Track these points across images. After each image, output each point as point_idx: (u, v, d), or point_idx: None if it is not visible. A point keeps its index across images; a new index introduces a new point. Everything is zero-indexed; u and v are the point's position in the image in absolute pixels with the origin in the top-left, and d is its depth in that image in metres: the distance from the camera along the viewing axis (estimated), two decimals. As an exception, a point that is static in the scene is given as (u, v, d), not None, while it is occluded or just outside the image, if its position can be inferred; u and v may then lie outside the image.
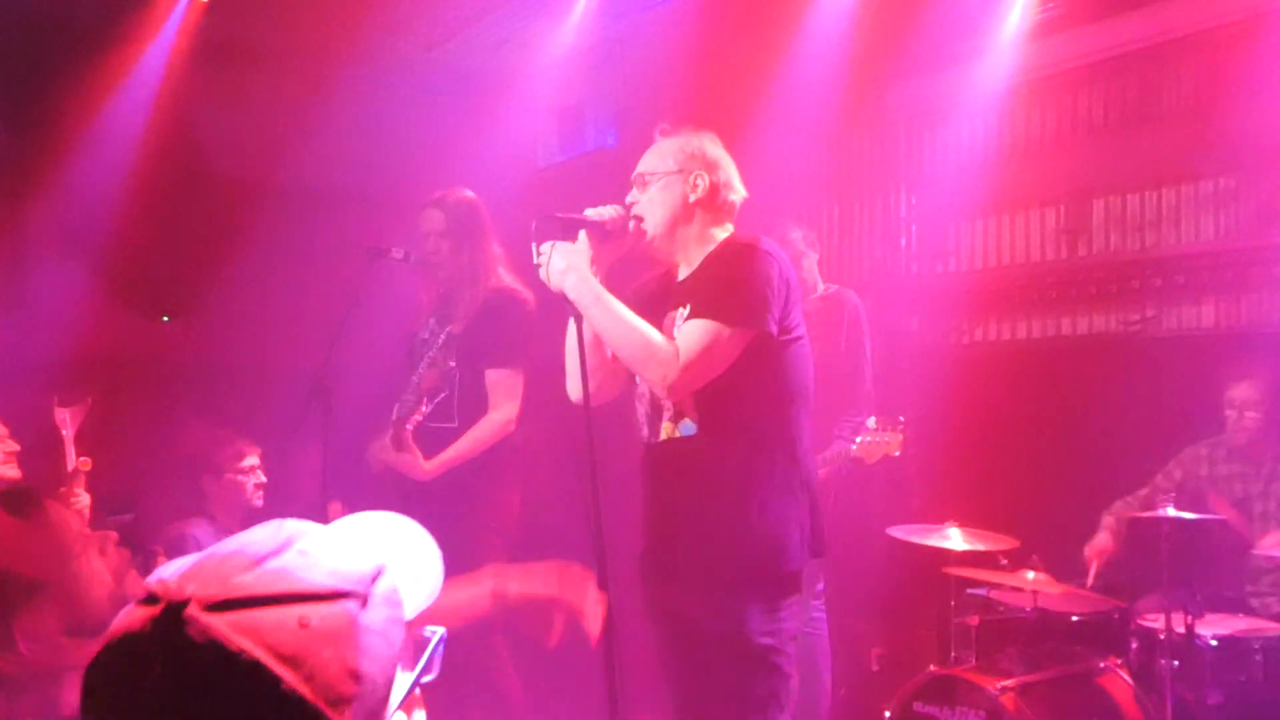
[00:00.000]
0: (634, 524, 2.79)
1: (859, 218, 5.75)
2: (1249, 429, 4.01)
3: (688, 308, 2.68)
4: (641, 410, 2.80)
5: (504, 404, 3.80)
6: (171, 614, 0.85)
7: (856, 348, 4.38)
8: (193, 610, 0.84)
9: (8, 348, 4.24)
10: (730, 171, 2.84)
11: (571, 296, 2.62)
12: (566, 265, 2.62)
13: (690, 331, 2.60)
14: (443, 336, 3.80)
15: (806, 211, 5.67)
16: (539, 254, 2.64)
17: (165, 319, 5.53)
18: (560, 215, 2.71)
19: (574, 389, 2.68)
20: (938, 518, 4.01)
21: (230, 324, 5.29)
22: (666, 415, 2.70)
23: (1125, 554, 4.01)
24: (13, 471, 3.18)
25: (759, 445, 2.64)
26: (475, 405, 3.79)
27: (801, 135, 5.30)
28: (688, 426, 2.66)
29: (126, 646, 0.85)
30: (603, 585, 2.18)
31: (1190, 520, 3.58)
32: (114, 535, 1.99)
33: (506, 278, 3.92)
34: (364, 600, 0.91)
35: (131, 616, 0.86)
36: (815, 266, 4.53)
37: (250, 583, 0.87)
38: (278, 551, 0.91)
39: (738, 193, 2.85)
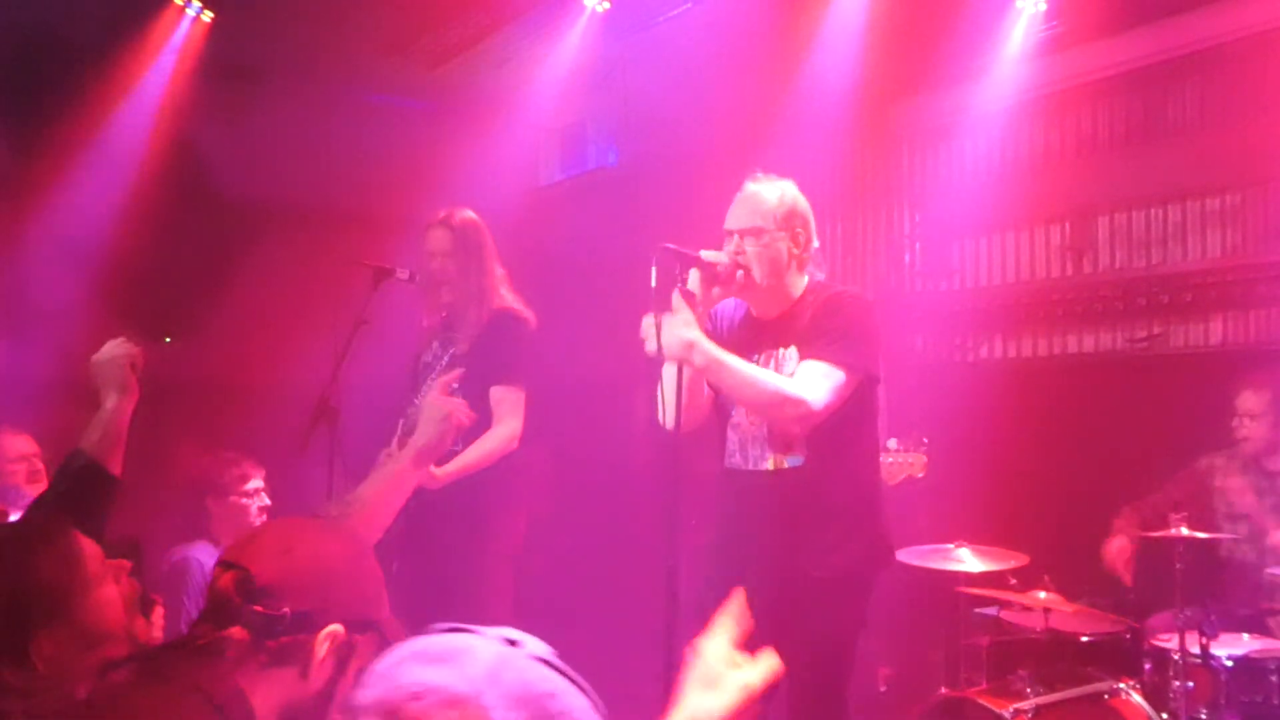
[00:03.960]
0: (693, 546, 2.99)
1: (863, 235, 5.74)
2: (1256, 437, 4.00)
3: (793, 348, 2.96)
4: (735, 439, 3.04)
5: (509, 419, 3.79)
6: None
7: None
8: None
9: (20, 366, 4.23)
10: (812, 222, 3.10)
11: (699, 366, 2.80)
12: (685, 339, 2.78)
13: (820, 375, 2.85)
14: (446, 358, 3.79)
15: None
16: (657, 279, 2.75)
17: (167, 339, 5.50)
18: (676, 248, 2.86)
19: (668, 419, 2.83)
20: (946, 536, 3.98)
21: (234, 344, 5.27)
22: (772, 447, 2.98)
23: (1142, 561, 3.98)
24: (41, 488, 3.16)
25: (857, 473, 3.01)
26: (480, 425, 3.76)
27: (805, 153, 5.28)
28: (795, 458, 2.95)
29: None
30: (672, 612, 2.43)
31: (1204, 539, 3.55)
32: (126, 565, 1.97)
33: (509, 298, 3.91)
34: None
35: None
36: None
37: None
38: None
39: (815, 241, 3.12)
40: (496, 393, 3.79)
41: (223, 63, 5.21)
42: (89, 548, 1.85)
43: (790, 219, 3.01)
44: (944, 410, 4.72)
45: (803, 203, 3.07)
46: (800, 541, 2.94)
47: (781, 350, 3.00)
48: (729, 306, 3.15)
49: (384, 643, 1.70)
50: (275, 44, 5.15)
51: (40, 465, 3.34)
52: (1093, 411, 4.72)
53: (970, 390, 5.00)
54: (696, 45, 5.32)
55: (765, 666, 1.41)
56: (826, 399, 2.83)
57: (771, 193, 3.03)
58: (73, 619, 1.73)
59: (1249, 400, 4.01)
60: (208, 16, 5.26)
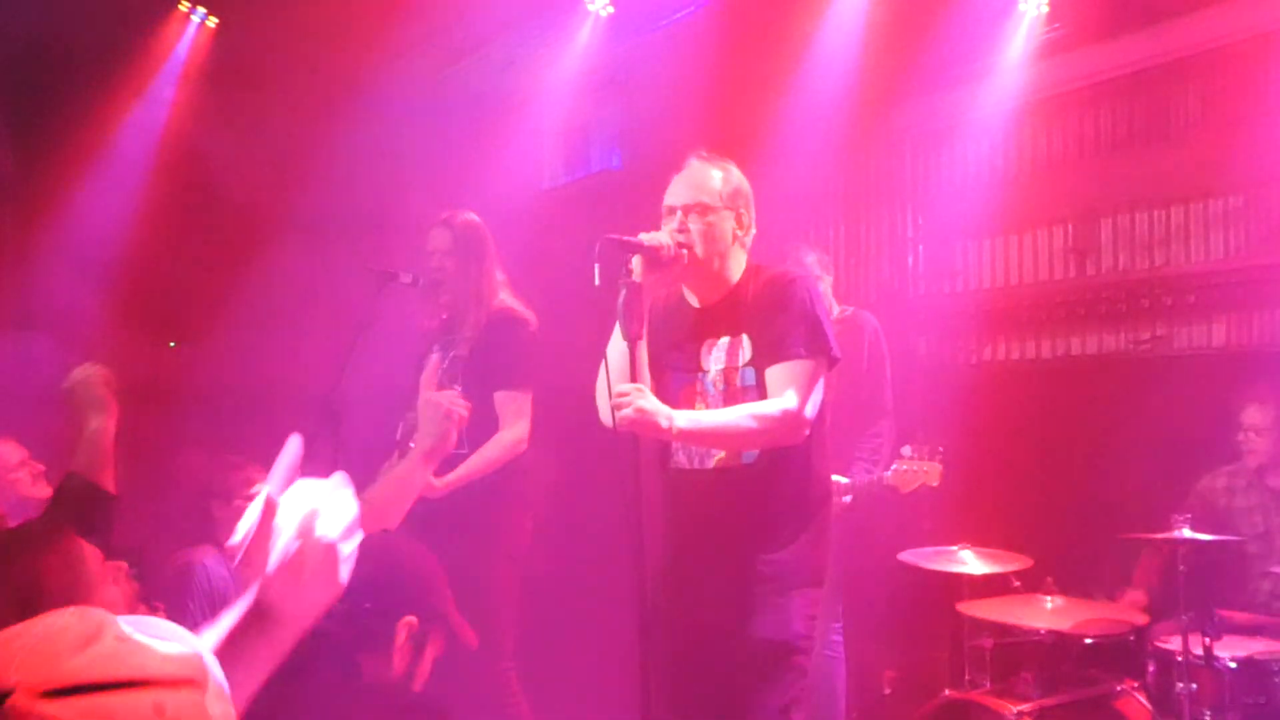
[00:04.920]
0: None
1: (866, 238, 5.74)
2: (1261, 451, 3.98)
3: (744, 337, 2.85)
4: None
5: (515, 423, 3.78)
6: None
7: (878, 370, 4.39)
8: (21, 700, 0.75)
9: (21, 370, 4.24)
10: (753, 207, 3.00)
11: (684, 430, 2.70)
12: (661, 409, 2.66)
13: (792, 376, 2.77)
14: (447, 361, 3.79)
15: (813, 232, 5.66)
16: (599, 276, 2.64)
17: (171, 344, 5.52)
18: (617, 238, 2.76)
19: (607, 416, 2.71)
20: (949, 539, 3.98)
21: (238, 348, 5.28)
22: None
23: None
24: (44, 490, 3.18)
25: (810, 466, 2.88)
26: (484, 428, 3.76)
27: (808, 156, 5.30)
28: (750, 454, 2.84)
29: None
30: (642, 606, 2.38)
31: (1207, 541, 3.54)
32: (125, 566, 2.00)
33: (509, 299, 3.92)
34: (204, 689, 0.84)
35: None
36: (830, 289, 4.53)
37: (84, 667, 0.79)
38: (93, 638, 0.82)
39: (753, 230, 3.01)
40: (500, 397, 3.79)
41: (227, 67, 5.23)
42: (89, 550, 1.87)
43: (735, 197, 2.93)
44: (947, 413, 4.73)
45: (746, 184, 2.99)
46: (749, 540, 2.84)
47: (727, 338, 2.90)
48: (659, 299, 3.01)
49: (450, 631, 1.88)
50: (278, 48, 5.16)
51: (40, 467, 3.36)
52: (1096, 414, 4.71)
53: (973, 392, 4.99)
54: (700, 49, 5.33)
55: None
56: (808, 397, 2.76)
57: (717, 170, 2.95)
58: None
59: (1254, 415, 3.98)
60: (213, 22, 5.29)
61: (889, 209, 5.67)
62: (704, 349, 2.90)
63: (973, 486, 4.64)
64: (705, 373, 2.91)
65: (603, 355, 2.82)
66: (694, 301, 2.99)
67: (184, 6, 5.22)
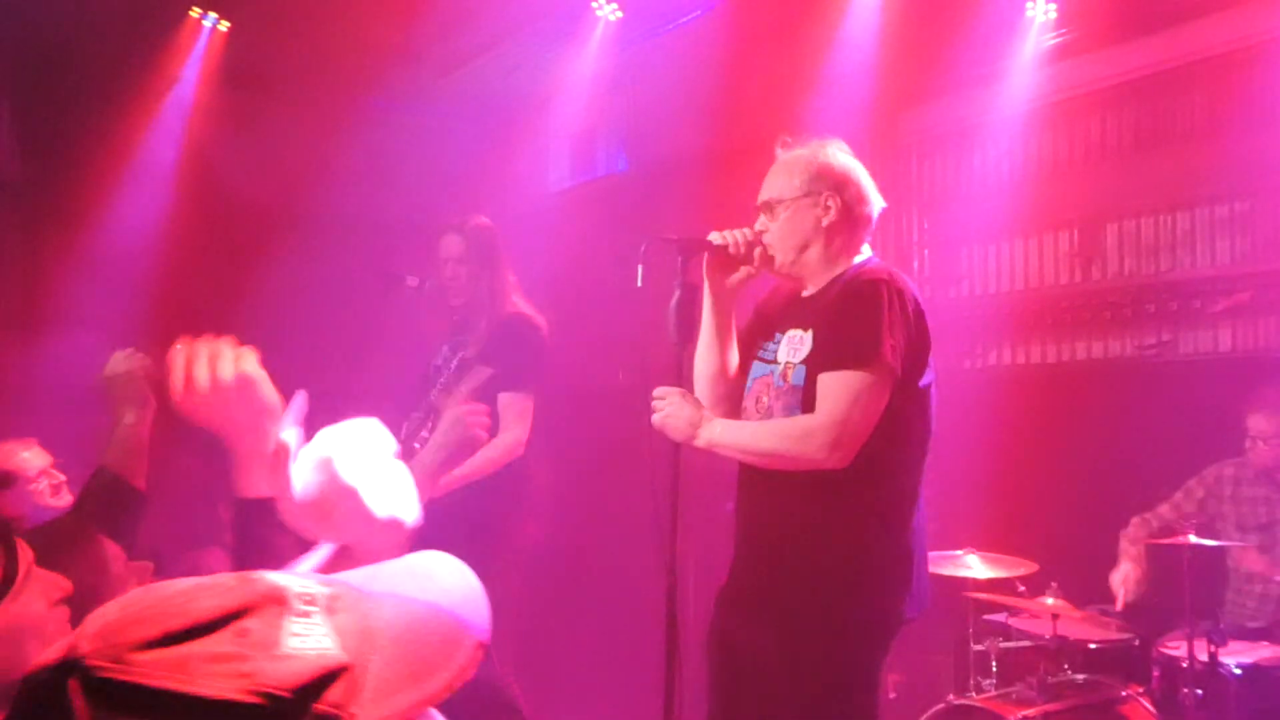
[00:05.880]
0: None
1: (872, 242, 5.72)
2: (1268, 458, 3.98)
3: (807, 331, 2.60)
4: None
5: (514, 426, 3.80)
6: (62, 673, 0.75)
7: None
8: (73, 681, 0.74)
9: (36, 372, 4.26)
10: (862, 183, 2.72)
11: (712, 441, 2.55)
12: (692, 418, 2.56)
13: (831, 389, 2.48)
14: (455, 362, 3.80)
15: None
16: (642, 277, 2.53)
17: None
18: (677, 238, 2.60)
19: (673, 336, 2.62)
20: (954, 543, 3.98)
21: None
22: None
23: (1153, 578, 3.96)
24: (64, 501, 3.18)
25: (857, 503, 2.56)
26: (490, 431, 3.77)
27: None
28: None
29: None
30: (671, 615, 2.27)
31: (1212, 547, 3.54)
32: (150, 566, 2.00)
33: (521, 304, 3.93)
34: (289, 712, 0.78)
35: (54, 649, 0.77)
36: None
37: (140, 666, 0.76)
38: (213, 626, 0.80)
39: (872, 205, 2.74)
40: (504, 399, 3.81)
41: (237, 72, 5.25)
42: (114, 551, 1.88)
43: (816, 182, 2.64)
44: (953, 417, 4.71)
45: (840, 162, 2.69)
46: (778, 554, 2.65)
47: (798, 331, 2.62)
48: (781, 290, 2.81)
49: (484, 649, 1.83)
50: (286, 51, 5.18)
51: (61, 477, 3.36)
52: (1102, 418, 4.71)
53: (978, 397, 4.98)
54: (707, 52, 5.34)
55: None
56: (849, 416, 2.43)
57: (797, 158, 2.69)
58: None
59: (1260, 423, 3.97)
60: (224, 26, 5.32)
61: (895, 213, 5.65)
62: (783, 340, 2.65)
63: (978, 491, 4.64)
64: (777, 365, 2.65)
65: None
66: (805, 291, 2.74)
67: (195, 13, 5.25)
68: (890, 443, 2.54)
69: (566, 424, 4.28)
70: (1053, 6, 4.80)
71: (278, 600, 0.83)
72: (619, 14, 5.45)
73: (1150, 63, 4.70)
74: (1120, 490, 4.45)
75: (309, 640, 0.81)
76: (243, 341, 1.48)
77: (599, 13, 5.45)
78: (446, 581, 0.98)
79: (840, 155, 2.72)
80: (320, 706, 0.78)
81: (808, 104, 5.07)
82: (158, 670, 0.75)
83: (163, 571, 3.12)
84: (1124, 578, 3.95)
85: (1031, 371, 5.14)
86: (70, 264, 5.04)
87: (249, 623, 0.80)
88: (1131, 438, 4.52)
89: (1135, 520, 4.12)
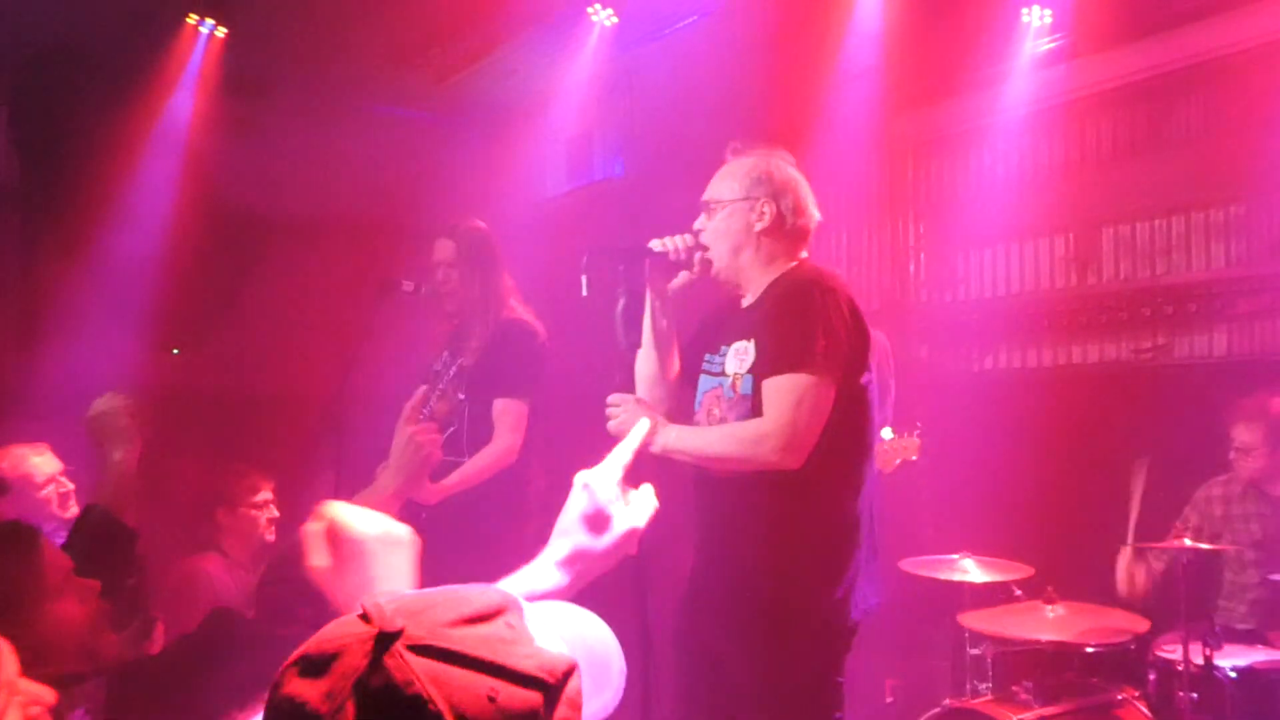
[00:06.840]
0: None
1: (868, 246, 5.75)
2: (1252, 469, 3.98)
3: (749, 342, 2.63)
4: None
5: (507, 434, 3.78)
6: (383, 642, 0.86)
7: (883, 387, 4.35)
8: (399, 645, 0.86)
9: (34, 378, 4.26)
10: (800, 195, 2.75)
11: (667, 448, 2.59)
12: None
13: (778, 393, 2.52)
14: (454, 369, 3.79)
15: (815, 240, 5.66)
16: (587, 287, 2.56)
17: (175, 351, 5.53)
18: (621, 247, 2.64)
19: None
20: (950, 547, 3.99)
21: (242, 355, 5.29)
22: None
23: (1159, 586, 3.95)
24: (70, 510, 3.16)
25: (808, 495, 2.59)
26: (486, 438, 3.77)
27: (810, 164, 5.30)
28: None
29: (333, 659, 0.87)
30: (643, 621, 2.25)
31: (1207, 550, 3.55)
32: (96, 585, 1.95)
33: (518, 309, 3.92)
34: (554, 696, 0.91)
35: (345, 629, 0.88)
36: None
37: (458, 638, 0.89)
38: (489, 617, 0.93)
39: (809, 218, 2.76)
40: (498, 405, 3.80)
41: (234, 77, 5.25)
42: (56, 560, 1.84)
43: (755, 188, 2.67)
44: (948, 421, 4.73)
45: (781, 171, 2.71)
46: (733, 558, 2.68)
47: (743, 341, 2.66)
48: (723, 299, 2.83)
49: None
50: (283, 58, 5.19)
51: (70, 486, 3.33)
52: (1097, 422, 4.71)
53: (974, 401, 5.00)
54: (703, 57, 5.35)
55: (647, 504, 1.46)
56: (796, 418, 2.47)
57: (741, 163, 2.72)
58: (24, 626, 1.70)
59: (1242, 434, 3.96)
60: (221, 33, 5.32)
61: (891, 217, 5.67)
62: (729, 352, 2.68)
63: (974, 495, 4.65)
64: (726, 377, 2.69)
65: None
66: (744, 302, 2.77)
67: (192, 19, 5.25)
68: (835, 438, 2.58)
69: (563, 430, 4.28)
70: (1048, 11, 4.81)
71: (517, 606, 0.97)
72: (615, 19, 5.46)
73: (1144, 67, 4.72)
74: (1114, 494, 4.44)
75: (544, 641, 0.96)
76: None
77: (595, 18, 5.45)
78: (586, 619, 1.14)
79: (784, 166, 2.77)
80: (567, 694, 0.92)
81: (803, 109, 5.08)
82: (468, 642, 0.88)
83: (155, 577, 3.12)
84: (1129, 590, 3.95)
85: (1027, 375, 5.15)
86: (70, 270, 5.05)
87: (510, 619, 0.94)
88: (1127, 441, 4.52)
89: (1127, 550, 4.08)
